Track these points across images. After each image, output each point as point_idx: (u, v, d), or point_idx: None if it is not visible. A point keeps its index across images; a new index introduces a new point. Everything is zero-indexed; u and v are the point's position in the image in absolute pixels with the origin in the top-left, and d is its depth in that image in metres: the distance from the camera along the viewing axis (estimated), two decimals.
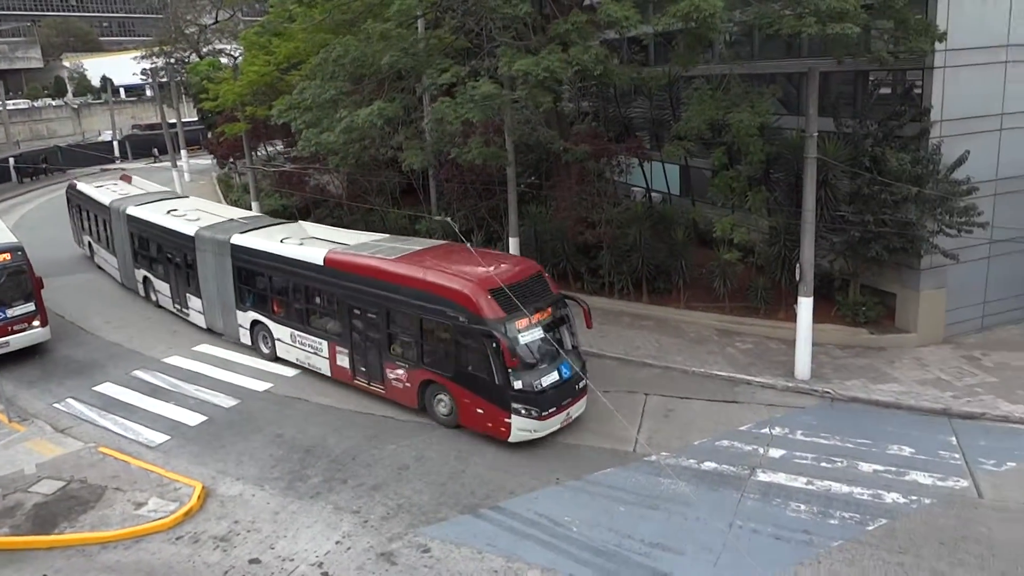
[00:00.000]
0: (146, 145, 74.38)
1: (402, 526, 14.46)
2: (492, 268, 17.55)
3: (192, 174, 55.98)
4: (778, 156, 23.39)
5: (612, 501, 15.12)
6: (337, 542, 14.02)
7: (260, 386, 20.88)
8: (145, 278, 27.76)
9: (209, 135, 55.62)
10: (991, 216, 21.18)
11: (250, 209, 34.57)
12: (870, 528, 14.07)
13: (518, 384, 16.31)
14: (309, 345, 20.92)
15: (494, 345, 16.14)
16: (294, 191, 37.39)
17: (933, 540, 13.64)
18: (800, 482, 15.64)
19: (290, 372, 21.66)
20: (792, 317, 20.70)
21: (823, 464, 16.29)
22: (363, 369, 19.53)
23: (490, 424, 16.91)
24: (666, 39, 27.69)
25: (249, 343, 23.03)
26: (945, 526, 14.07)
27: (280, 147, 46.97)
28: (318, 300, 20.67)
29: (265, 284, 22.07)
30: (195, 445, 17.79)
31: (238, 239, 22.61)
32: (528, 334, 16.70)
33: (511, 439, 16.73)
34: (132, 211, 27.77)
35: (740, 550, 13.40)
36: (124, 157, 73.48)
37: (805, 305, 19.90)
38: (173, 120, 57.06)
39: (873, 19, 19.39)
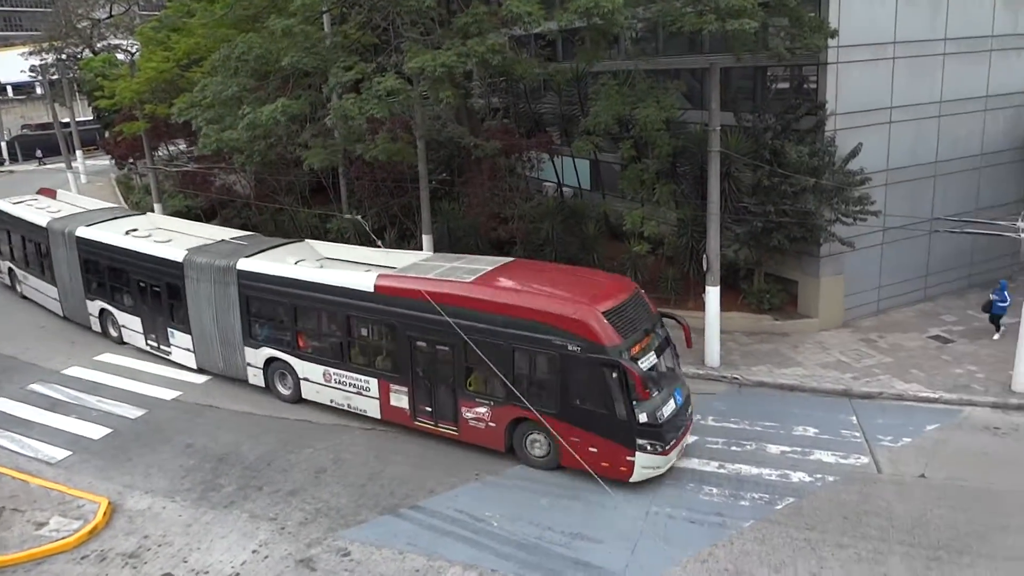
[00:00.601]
0: (37, 146, 70.79)
1: (321, 531, 14.25)
2: (593, 288, 15.97)
3: (89, 176, 53.53)
4: (684, 150, 23.99)
5: (532, 494, 15.27)
6: (254, 551, 13.71)
7: (168, 394, 20.20)
8: (103, 311, 23.89)
9: (106, 135, 53.27)
10: (883, 205, 22.25)
11: (152, 211, 33.31)
12: (779, 507, 14.62)
13: (643, 417, 14.63)
14: (351, 384, 18.17)
15: (614, 375, 14.45)
16: (199, 191, 36.22)
17: (837, 516, 14.27)
18: (712, 466, 16.13)
19: (200, 379, 21.03)
20: (701, 306, 21.30)
21: (733, 448, 16.84)
22: (428, 409, 17.07)
23: (606, 464, 14.95)
24: (572, 35, 28.01)
25: (262, 384, 19.94)
26: (848, 501, 14.74)
27: (183, 146, 45.43)
28: (364, 332, 18.12)
29: (286, 316, 19.16)
30: (100, 459, 17.07)
31: (247, 264, 19.56)
32: (645, 360, 15.12)
33: (633, 479, 14.97)
34: (83, 233, 23.78)
35: (657, 536, 13.76)
36: (13, 159, 69.72)
37: (712, 294, 20.52)
38: (66, 119, 54.43)
39: (770, 16, 20.09)
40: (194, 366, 21.27)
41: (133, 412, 19.22)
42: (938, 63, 23.33)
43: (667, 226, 24.74)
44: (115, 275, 23.06)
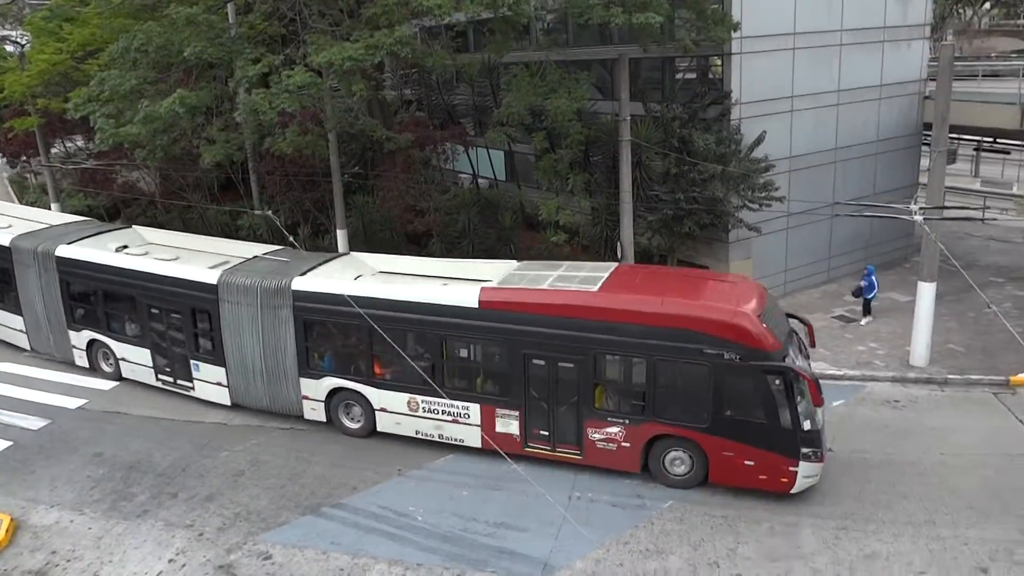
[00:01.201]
0: None
1: (240, 535, 13.93)
2: (730, 291, 15.21)
3: None
4: (596, 139, 24.34)
5: (455, 487, 15.30)
6: (170, 560, 13.30)
7: (72, 403, 19.32)
8: (93, 342, 20.57)
9: None
10: (787, 191, 23.08)
11: (49, 209, 31.76)
12: (697, 488, 15.02)
13: (807, 424, 13.88)
14: (444, 412, 16.30)
15: (778, 382, 13.68)
16: (100, 190, 34.71)
17: (752, 492, 14.75)
18: None
19: (107, 385, 20.19)
20: None
21: None
22: (544, 433, 15.64)
23: (764, 476, 14.17)
24: (482, 26, 28.02)
25: (322, 419, 17.62)
26: None
27: (80, 143, 43.43)
28: (464, 353, 16.51)
29: (358, 340, 16.97)
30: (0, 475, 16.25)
31: (304, 284, 17.12)
32: (798, 364, 14.46)
33: (794, 490, 14.20)
34: (66, 252, 20.36)
35: (580, 520, 13.97)
36: None
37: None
38: None
39: (675, 9, 20.52)
40: (227, 402, 18.57)
41: (35, 423, 18.29)
42: (835, 54, 24.32)
43: (582, 215, 25.07)
44: (112, 301, 20.02)
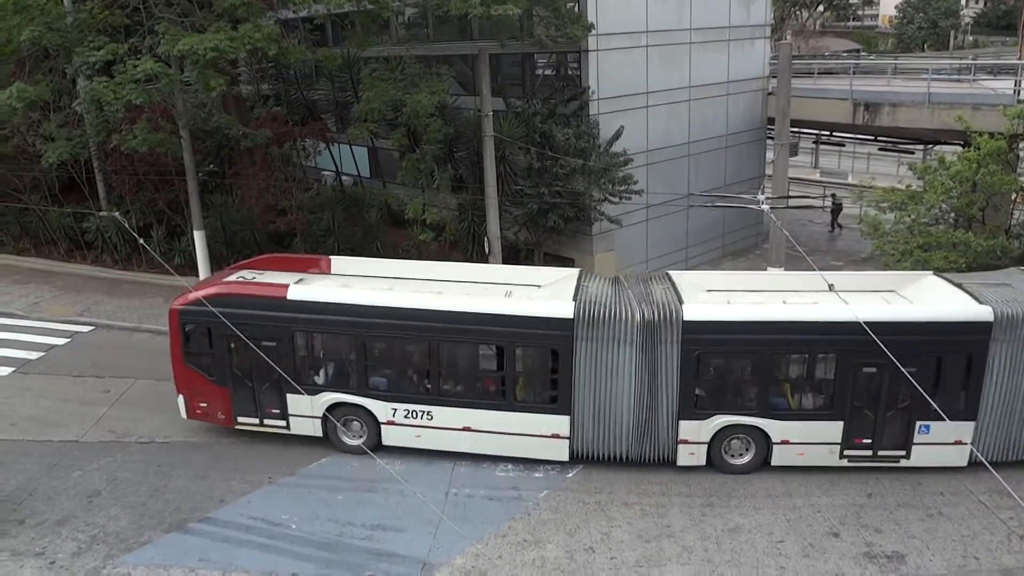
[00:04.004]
0: None
1: (99, 559, 13.11)
2: None
3: None
4: (459, 135, 24.38)
5: (329, 491, 15.00)
6: None
7: None
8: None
9: None
10: (645, 183, 23.94)
11: None
12: (570, 475, 15.42)
13: None
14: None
15: None
16: None
17: (623, 477, 15.29)
18: None
19: None
20: None
21: None
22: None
23: None
24: (342, 19, 27.45)
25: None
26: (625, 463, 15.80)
27: None
28: None
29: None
30: None
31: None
32: None
33: None
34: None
35: (457, 516, 14.02)
36: None
37: None
38: None
39: (533, 5, 20.83)
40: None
41: None
42: (686, 52, 25.43)
43: (448, 211, 25.08)
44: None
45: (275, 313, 15.62)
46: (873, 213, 21.63)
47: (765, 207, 18.96)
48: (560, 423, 15.31)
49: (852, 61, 39.14)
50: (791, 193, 22.23)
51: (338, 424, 16.05)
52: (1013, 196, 21.62)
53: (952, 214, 21.55)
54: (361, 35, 23.47)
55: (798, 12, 79.17)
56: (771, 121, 27.09)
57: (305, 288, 15.96)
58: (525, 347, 15.45)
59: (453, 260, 24.85)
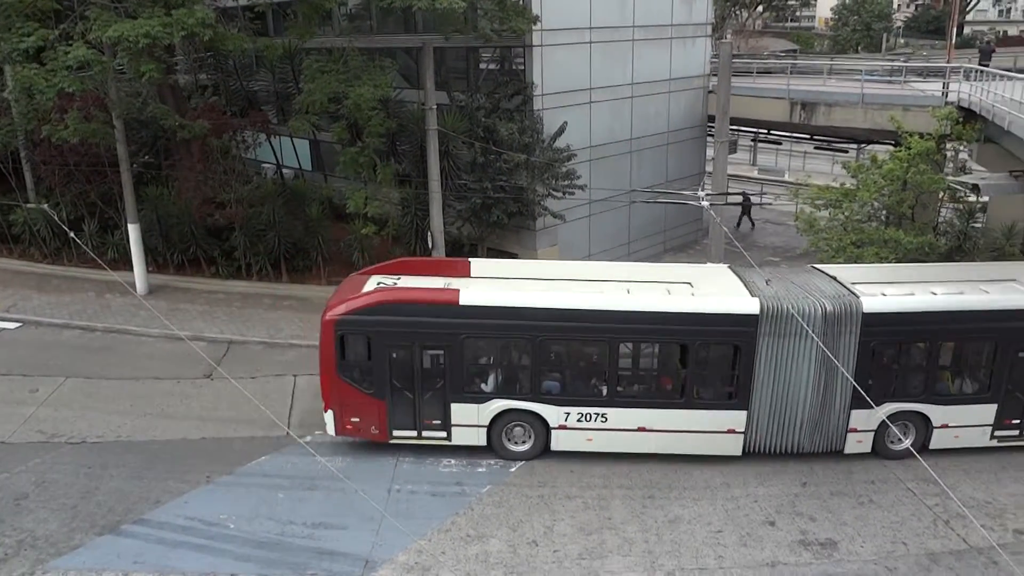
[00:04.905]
0: None
1: (27, 565, 12.66)
2: None
3: None
4: (403, 129, 24.18)
5: (269, 489, 14.75)
6: None
7: None
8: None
9: None
10: (588, 179, 24.11)
11: None
12: (513, 470, 15.45)
13: None
14: None
15: None
16: None
17: (565, 470, 15.38)
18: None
19: None
20: None
21: None
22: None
23: None
24: (283, 9, 26.98)
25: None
26: (571, 455, 15.90)
27: None
28: None
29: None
30: None
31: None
32: None
33: None
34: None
35: (400, 513, 13.94)
36: None
37: None
38: None
39: None
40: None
41: None
42: (629, 48, 25.66)
43: (391, 205, 24.86)
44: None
45: (446, 319, 15.04)
46: (808, 210, 22.15)
47: (705, 203, 19.28)
48: (737, 418, 15.44)
49: (790, 61, 39.92)
50: (729, 190, 22.61)
51: (503, 432, 15.73)
52: (940, 195, 22.38)
53: (884, 212, 22.19)
54: (303, 26, 23.09)
55: (738, 12, 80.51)
56: (711, 119, 27.59)
57: (477, 292, 15.45)
58: (707, 344, 15.50)
59: (396, 255, 24.69)
